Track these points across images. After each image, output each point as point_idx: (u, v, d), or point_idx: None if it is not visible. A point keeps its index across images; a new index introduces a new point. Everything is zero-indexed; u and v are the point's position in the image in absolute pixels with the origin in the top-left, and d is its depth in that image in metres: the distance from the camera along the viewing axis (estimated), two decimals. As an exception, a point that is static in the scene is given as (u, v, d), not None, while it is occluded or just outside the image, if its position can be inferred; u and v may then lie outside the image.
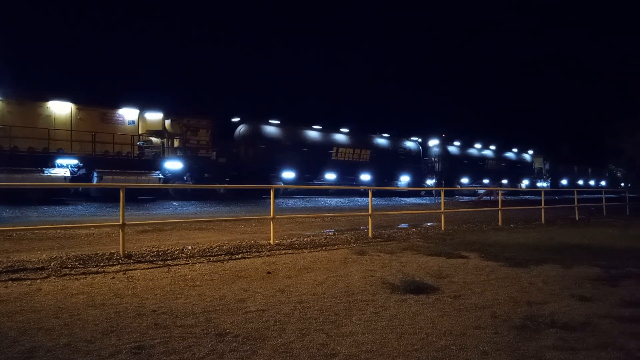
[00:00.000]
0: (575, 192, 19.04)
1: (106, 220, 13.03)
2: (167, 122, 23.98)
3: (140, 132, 23.33)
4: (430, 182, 39.28)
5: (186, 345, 3.50)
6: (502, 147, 49.49)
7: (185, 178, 23.87)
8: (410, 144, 38.51)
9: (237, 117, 29.46)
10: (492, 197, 30.62)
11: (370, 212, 10.61)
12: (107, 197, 20.41)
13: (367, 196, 31.47)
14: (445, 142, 41.83)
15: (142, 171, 22.26)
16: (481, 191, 39.99)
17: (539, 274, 6.27)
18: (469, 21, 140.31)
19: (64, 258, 6.97)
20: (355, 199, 29.54)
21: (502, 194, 29.85)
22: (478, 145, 45.90)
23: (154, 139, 23.89)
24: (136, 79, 72.36)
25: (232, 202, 22.75)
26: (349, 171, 32.70)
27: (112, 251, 7.55)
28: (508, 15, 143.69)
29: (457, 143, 43.32)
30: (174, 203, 21.31)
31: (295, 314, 4.34)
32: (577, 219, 16.83)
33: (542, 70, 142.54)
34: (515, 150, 51.02)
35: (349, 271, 6.38)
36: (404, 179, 36.89)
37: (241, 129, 28.51)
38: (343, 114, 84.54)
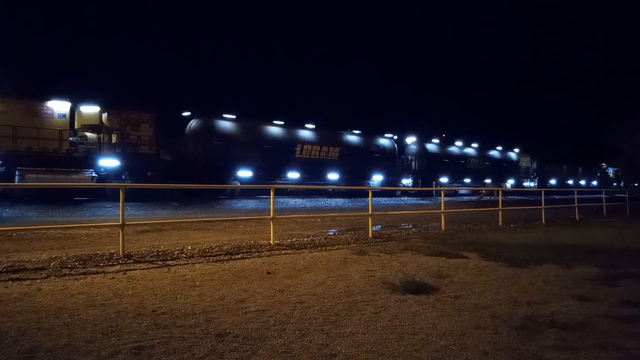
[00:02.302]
0: (576, 192, 19.12)
1: (106, 220, 13.03)
2: (104, 116, 21.94)
3: (76, 127, 21.59)
4: (405, 181, 37.63)
5: (186, 345, 3.50)
6: (486, 145, 47.71)
7: (123, 177, 22.10)
8: (385, 141, 36.47)
9: (188, 111, 26.97)
10: (492, 198, 30.69)
11: (370, 212, 10.62)
12: (32, 197, 19.12)
13: (335, 197, 31.25)
14: (423, 140, 40.09)
15: (73, 169, 20.34)
16: (462, 191, 39.14)
17: (538, 274, 6.28)
18: (452, 15, 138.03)
19: (64, 258, 6.97)
20: (323, 199, 28.17)
21: (493, 194, 29.95)
22: (459, 143, 44.05)
23: (89, 134, 21.87)
24: (74, 70, 67.48)
25: (184, 203, 20.83)
26: (315, 170, 30.78)
27: (112, 251, 7.55)
28: (495, 11, 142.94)
29: (436, 140, 41.42)
30: (175, 203, 21.25)
31: (295, 314, 4.34)
32: (577, 219, 16.84)
33: (531, 68, 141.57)
34: (499, 148, 49.17)
35: (349, 271, 6.38)
36: (377, 178, 34.90)
37: (192, 124, 26.18)
38: (310, 110, 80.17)
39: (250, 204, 22.88)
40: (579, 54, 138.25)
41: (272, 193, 9.33)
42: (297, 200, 26.78)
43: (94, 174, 20.98)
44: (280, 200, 25.99)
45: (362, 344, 3.58)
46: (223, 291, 5.19)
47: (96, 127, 21.98)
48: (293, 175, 29.79)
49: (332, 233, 11.30)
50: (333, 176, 31.94)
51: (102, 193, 22.25)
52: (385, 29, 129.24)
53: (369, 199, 10.84)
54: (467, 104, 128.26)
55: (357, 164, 33.00)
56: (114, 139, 22.37)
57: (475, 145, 46.10)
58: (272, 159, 28.17)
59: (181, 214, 16.36)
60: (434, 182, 39.16)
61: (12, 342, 3.51)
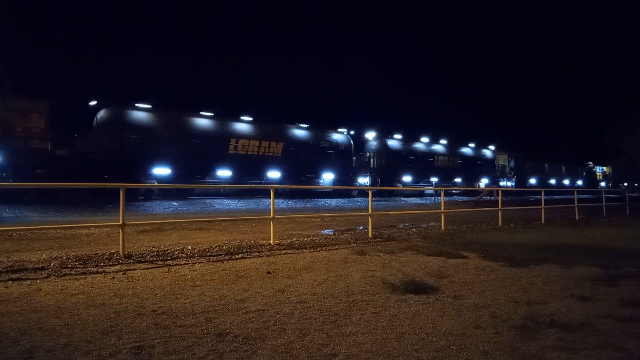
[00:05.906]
0: (576, 192, 19.16)
1: (106, 220, 13.03)
2: None
3: None
4: (362, 180, 34.91)
5: (186, 345, 3.50)
6: (457, 142, 44.64)
7: (5, 175, 19.45)
8: (339, 136, 33.59)
9: (95, 99, 23.99)
10: (491, 198, 30.72)
11: (370, 212, 10.62)
12: None
13: (277, 197, 28.68)
14: (384, 135, 37.67)
15: None
16: (429, 191, 36.34)
17: (539, 274, 6.28)
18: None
19: (64, 258, 6.98)
20: (261, 200, 25.74)
21: (493, 194, 29.66)
22: (426, 139, 41.15)
23: None
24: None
25: (85, 205, 18.16)
26: (253, 167, 27.96)
27: (112, 251, 7.55)
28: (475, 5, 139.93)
29: (398, 136, 38.66)
30: (174, 203, 21.23)
31: (295, 314, 4.34)
32: (577, 219, 16.84)
33: (512, 61, 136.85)
34: (472, 145, 45.93)
35: (349, 271, 6.38)
36: (328, 177, 32.08)
37: (100, 114, 23.42)
38: (250, 102, 74.55)
39: (176, 206, 20.67)
40: (569, 50, 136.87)
41: (272, 193, 9.33)
42: (228, 201, 24.57)
43: None
44: (209, 200, 24.03)
45: (362, 343, 3.58)
46: (223, 291, 5.19)
47: None
48: (224, 173, 26.96)
49: (332, 233, 11.30)
50: (274, 174, 29.05)
51: None
52: (342, 16, 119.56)
53: (369, 198, 10.84)
54: (437, 97, 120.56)
55: (304, 161, 30.31)
56: None
57: (444, 141, 43.18)
58: (199, 155, 25.63)
59: (181, 214, 16.37)
60: (396, 182, 36.70)
61: (12, 342, 3.51)
